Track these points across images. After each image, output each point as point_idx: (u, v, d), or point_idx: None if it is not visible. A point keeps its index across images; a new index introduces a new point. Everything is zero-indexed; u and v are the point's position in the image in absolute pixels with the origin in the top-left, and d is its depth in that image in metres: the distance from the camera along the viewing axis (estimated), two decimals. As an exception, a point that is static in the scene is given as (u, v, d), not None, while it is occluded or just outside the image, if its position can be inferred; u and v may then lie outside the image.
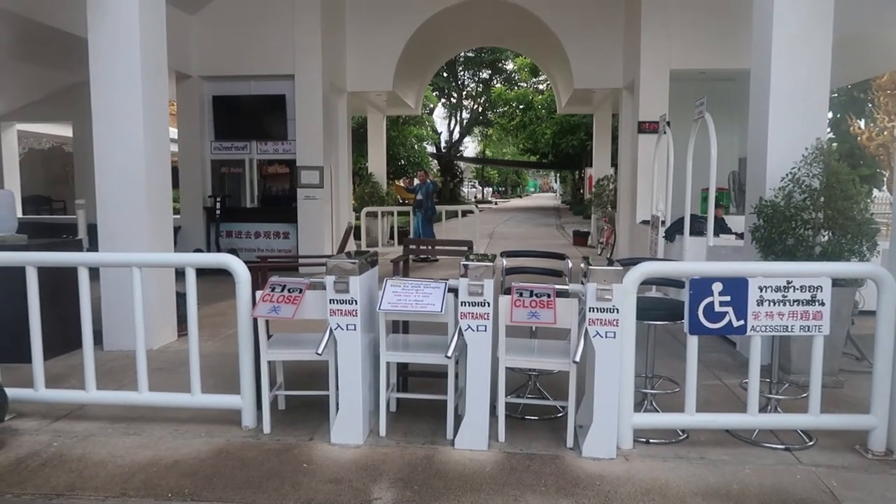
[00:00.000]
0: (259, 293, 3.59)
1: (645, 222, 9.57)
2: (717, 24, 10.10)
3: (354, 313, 3.45)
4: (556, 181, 65.85)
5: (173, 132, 9.53)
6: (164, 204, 5.73)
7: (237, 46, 10.68)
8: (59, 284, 4.79)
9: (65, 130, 15.66)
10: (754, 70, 5.36)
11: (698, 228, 7.16)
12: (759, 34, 5.28)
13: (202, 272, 4.06)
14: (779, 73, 5.00)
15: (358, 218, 13.66)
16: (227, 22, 10.71)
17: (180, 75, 10.61)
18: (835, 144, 18.98)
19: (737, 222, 7.57)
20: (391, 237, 14.22)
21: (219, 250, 10.86)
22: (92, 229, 6.76)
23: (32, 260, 3.78)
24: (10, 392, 3.75)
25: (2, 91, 12.05)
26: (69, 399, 3.96)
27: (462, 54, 30.71)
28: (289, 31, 10.48)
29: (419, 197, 13.18)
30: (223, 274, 3.72)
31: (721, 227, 7.70)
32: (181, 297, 6.13)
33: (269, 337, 3.77)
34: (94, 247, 6.49)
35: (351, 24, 12.03)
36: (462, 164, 46.64)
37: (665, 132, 8.05)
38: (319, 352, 3.44)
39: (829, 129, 20.77)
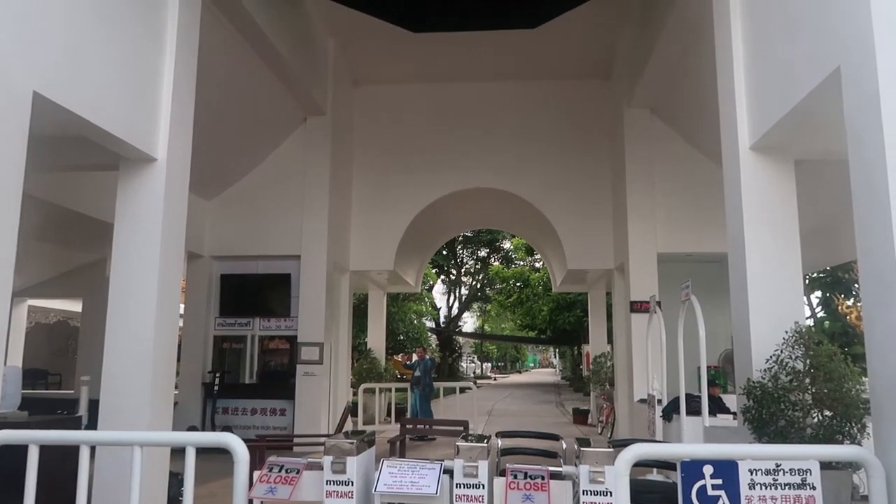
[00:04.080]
0: (257, 473, 3.62)
1: (643, 401, 9.58)
2: (699, 212, 10.82)
3: (350, 495, 3.47)
4: (555, 356, 65.70)
5: (180, 308, 9.85)
6: (167, 381, 5.85)
7: (248, 229, 11.36)
8: (55, 463, 4.78)
9: (72, 305, 16.06)
10: (731, 258, 5.76)
11: (695, 408, 7.19)
12: (732, 227, 5.75)
13: (196, 450, 4.09)
14: (753, 262, 5.38)
15: (355, 394, 13.60)
16: (239, 206, 11.49)
17: (193, 255, 11.17)
18: (826, 324, 19.38)
19: (733, 402, 7.62)
20: (388, 414, 14.06)
21: (213, 427, 10.73)
22: (93, 405, 6.80)
23: (36, 438, 3.85)
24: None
25: (20, 269, 12.56)
26: (52, 587, 3.83)
27: (461, 234, 32.20)
28: (298, 215, 11.20)
29: (417, 373, 13.24)
30: (217, 451, 3.77)
31: (718, 407, 7.74)
32: (173, 477, 6.04)
33: (262, 520, 3.74)
34: (92, 423, 6.50)
35: (356, 208, 12.86)
36: (461, 339, 46.85)
37: (656, 312, 8.36)
38: (314, 536, 3.42)
39: (819, 308, 21.32)
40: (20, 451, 3.88)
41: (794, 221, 5.47)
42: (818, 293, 20.76)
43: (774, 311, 5.26)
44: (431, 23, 10.27)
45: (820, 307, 20.96)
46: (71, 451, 4.98)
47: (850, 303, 17.60)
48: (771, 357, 4.96)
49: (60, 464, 4.62)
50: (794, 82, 4.62)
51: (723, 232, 6.06)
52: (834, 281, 19.35)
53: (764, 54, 5.29)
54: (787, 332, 5.00)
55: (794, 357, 4.87)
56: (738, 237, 5.55)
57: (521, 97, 12.93)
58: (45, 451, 4.01)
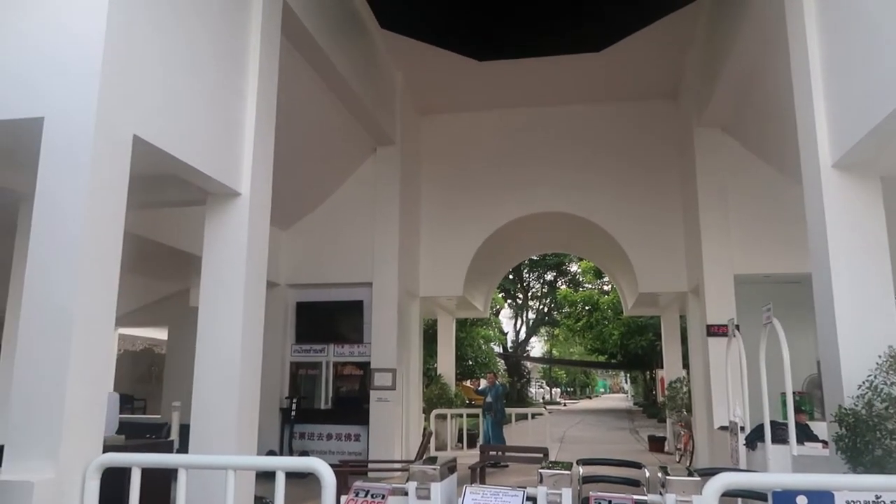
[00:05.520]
0: (343, 498, 3.72)
1: (723, 428, 9.26)
2: (776, 231, 10.45)
3: (435, 520, 3.52)
4: (626, 381, 64.10)
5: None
6: (252, 409, 6.06)
7: (321, 257, 11.70)
8: (146, 485, 5.01)
9: (157, 333, 16.83)
10: (816, 280, 5.56)
11: (780, 436, 6.92)
12: (815, 247, 5.56)
13: (271, 474, 4.19)
14: (840, 283, 5.18)
15: (427, 420, 13.67)
16: (313, 235, 11.86)
17: (269, 283, 11.51)
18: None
19: (820, 429, 7.29)
20: (459, 440, 14.05)
21: (291, 452, 11.00)
22: (182, 429, 7.10)
23: (138, 462, 4.07)
24: None
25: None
26: None
27: (527, 259, 32.05)
28: (369, 243, 11.47)
29: (489, 399, 13.20)
30: (294, 476, 3.88)
31: (805, 434, 7.41)
32: (258, 501, 6.24)
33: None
34: (182, 447, 6.79)
35: (425, 235, 13.04)
36: (529, 364, 46.37)
37: (735, 335, 8.11)
38: (399, 560, 3.48)
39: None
40: (115, 472, 4.10)
41: (883, 239, 5.26)
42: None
43: (865, 334, 5.05)
44: (496, 51, 10.44)
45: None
46: (159, 473, 5.23)
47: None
48: (864, 383, 4.75)
49: (150, 485, 4.84)
50: (881, 96, 4.48)
51: (802, 251, 5.88)
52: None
53: (845, 68, 5.15)
54: (880, 357, 4.78)
55: (888, 383, 4.65)
56: (822, 258, 5.37)
57: (587, 120, 12.90)
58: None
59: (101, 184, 4.26)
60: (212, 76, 5.70)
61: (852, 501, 3.25)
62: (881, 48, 4.52)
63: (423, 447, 7.96)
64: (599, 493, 3.50)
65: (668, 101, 12.67)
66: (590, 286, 35.44)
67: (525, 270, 36.21)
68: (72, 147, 4.19)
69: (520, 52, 10.57)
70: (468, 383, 23.80)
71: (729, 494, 3.81)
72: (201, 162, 5.39)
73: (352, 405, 11.45)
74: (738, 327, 8.18)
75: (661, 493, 3.43)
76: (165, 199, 6.49)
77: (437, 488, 3.55)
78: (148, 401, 16.35)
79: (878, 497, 3.24)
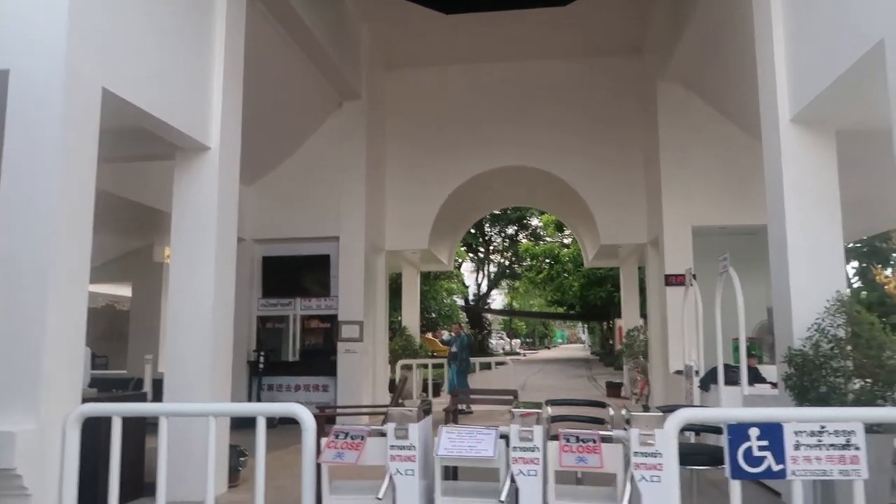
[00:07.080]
0: (324, 440, 3.88)
1: (679, 372, 9.71)
2: (733, 184, 10.80)
3: (413, 458, 3.71)
4: (584, 332, 65.74)
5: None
6: (226, 360, 6.15)
7: (288, 212, 11.64)
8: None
9: (119, 290, 16.54)
10: (771, 230, 5.84)
11: (732, 378, 7.32)
12: (772, 199, 5.81)
13: (245, 424, 4.25)
14: (794, 233, 5.46)
15: (393, 371, 13.93)
16: (279, 190, 11.76)
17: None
18: (863, 293, 19.17)
19: (769, 372, 7.73)
20: (424, 389, 14.36)
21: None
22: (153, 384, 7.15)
23: (119, 411, 4.16)
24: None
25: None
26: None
27: (489, 213, 32.27)
28: (335, 197, 11.44)
29: (454, 349, 13.50)
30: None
31: (755, 377, 7.85)
32: (233, 449, 6.37)
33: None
34: (155, 400, 6.85)
35: (391, 189, 13.06)
36: (490, 317, 47.12)
37: (692, 284, 8.46)
38: (380, 496, 3.67)
39: (856, 278, 21.08)
40: (87, 428, 4.14)
41: (835, 192, 5.53)
42: (854, 263, 20.51)
43: (815, 280, 5.35)
44: (462, 3, 10.35)
45: (856, 277, 20.72)
46: (133, 425, 5.30)
47: (888, 273, 17.40)
48: (812, 325, 5.07)
49: (124, 438, 4.91)
50: (837, 54, 4.67)
51: (758, 204, 6.13)
52: (871, 251, 19.10)
53: (804, 26, 5.32)
54: (828, 301, 5.09)
55: (835, 325, 4.97)
56: (778, 209, 5.63)
57: (552, 75, 12.94)
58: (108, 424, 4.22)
59: (72, 138, 4.21)
60: (179, 28, 5.59)
61: (799, 431, 3.53)
62: (840, 9, 4.69)
63: (399, 393, 8.16)
64: (568, 430, 3.73)
65: (632, 57, 12.77)
66: (550, 240, 35.94)
67: (487, 224, 36.46)
68: (40, 101, 4.12)
69: (486, 4, 10.50)
70: (431, 335, 24.18)
71: (687, 429, 4.09)
72: (171, 116, 5.33)
73: (319, 357, 11.59)
74: (694, 277, 8.52)
75: (625, 429, 3.67)
76: (132, 153, 6.39)
77: (414, 428, 3.73)
78: (110, 357, 16.15)
79: (822, 427, 3.54)
